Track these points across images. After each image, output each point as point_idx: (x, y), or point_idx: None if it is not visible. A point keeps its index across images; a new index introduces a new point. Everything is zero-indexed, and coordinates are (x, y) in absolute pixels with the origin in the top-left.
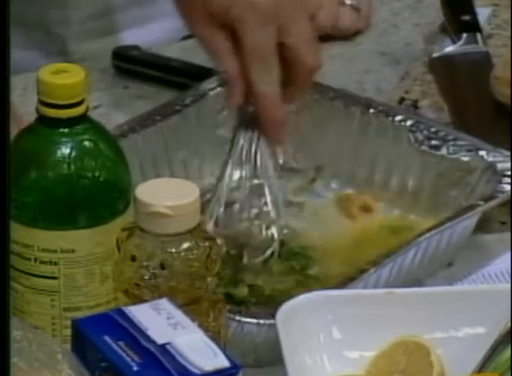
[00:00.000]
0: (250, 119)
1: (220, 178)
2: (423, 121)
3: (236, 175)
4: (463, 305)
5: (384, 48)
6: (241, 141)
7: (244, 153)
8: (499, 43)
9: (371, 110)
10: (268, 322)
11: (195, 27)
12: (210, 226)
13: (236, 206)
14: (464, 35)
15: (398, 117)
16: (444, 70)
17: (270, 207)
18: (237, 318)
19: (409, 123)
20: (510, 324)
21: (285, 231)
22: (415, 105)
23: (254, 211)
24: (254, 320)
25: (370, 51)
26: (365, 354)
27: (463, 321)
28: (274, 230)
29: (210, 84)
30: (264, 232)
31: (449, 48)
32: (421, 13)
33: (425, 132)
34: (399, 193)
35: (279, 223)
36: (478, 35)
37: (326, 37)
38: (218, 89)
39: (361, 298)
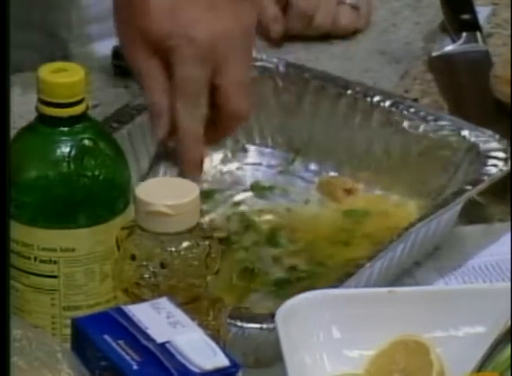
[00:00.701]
0: (170, 153)
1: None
2: (401, 102)
3: None
4: (463, 304)
5: (384, 47)
6: (160, 173)
7: None
8: (498, 42)
9: (349, 91)
10: (270, 326)
11: (127, 48)
12: None
13: None
14: (464, 34)
15: (377, 98)
16: (444, 69)
17: None
18: (239, 324)
19: (387, 103)
20: (509, 323)
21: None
22: None
23: None
24: (256, 325)
25: (370, 50)
26: (364, 353)
27: (462, 320)
28: None
29: None
30: None
31: (449, 47)
32: (421, 12)
33: (404, 112)
34: (379, 173)
35: None
36: (478, 34)
37: (325, 37)
38: None
39: (360, 297)
